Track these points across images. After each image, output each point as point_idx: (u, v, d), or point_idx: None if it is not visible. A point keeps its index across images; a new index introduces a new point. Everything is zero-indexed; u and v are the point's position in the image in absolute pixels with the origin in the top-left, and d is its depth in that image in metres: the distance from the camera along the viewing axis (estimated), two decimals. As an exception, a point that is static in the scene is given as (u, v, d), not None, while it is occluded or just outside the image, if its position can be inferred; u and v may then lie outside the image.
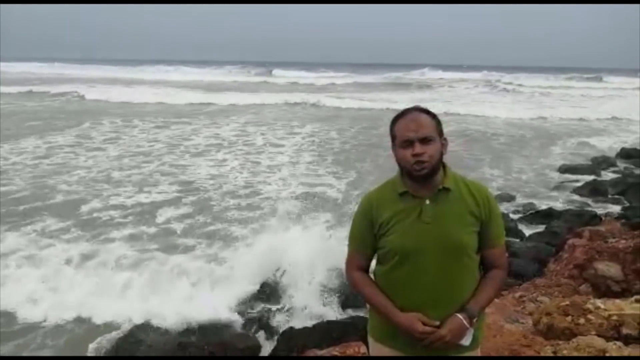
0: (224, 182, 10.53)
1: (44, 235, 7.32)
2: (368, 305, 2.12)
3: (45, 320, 5.20)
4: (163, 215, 8.33)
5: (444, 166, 1.95)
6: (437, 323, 1.88)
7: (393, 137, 1.94)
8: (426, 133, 1.87)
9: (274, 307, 5.30)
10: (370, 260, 2.05)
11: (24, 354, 4.72)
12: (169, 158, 12.76)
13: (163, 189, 9.94)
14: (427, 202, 1.90)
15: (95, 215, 8.30)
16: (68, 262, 6.35)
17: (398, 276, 1.94)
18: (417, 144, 1.85)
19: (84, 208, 8.61)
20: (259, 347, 4.73)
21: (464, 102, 29.31)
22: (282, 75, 56.14)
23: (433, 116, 1.94)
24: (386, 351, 2.02)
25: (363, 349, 3.60)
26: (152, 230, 7.69)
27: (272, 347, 4.60)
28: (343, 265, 2.18)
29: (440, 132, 1.92)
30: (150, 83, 40.09)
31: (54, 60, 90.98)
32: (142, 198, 9.28)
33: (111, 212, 8.44)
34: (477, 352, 2.02)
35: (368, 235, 2.00)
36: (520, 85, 43.50)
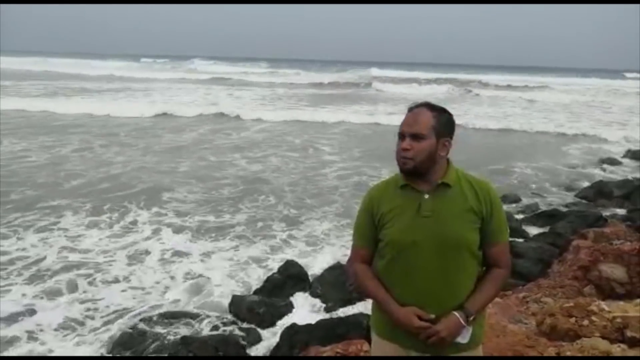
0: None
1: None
2: (371, 300, 2.13)
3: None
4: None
5: (448, 162, 1.96)
6: (433, 317, 1.89)
7: None
8: (418, 130, 1.88)
9: (277, 303, 5.31)
10: (373, 253, 2.06)
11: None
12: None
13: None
14: (427, 196, 1.91)
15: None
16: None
17: (396, 269, 1.96)
18: (407, 139, 1.88)
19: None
20: (261, 343, 4.75)
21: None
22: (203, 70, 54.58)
23: (440, 115, 1.92)
24: (387, 346, 2.03)
25: (366, 347, 3.61)
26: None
27: (274, 343, 4.61)
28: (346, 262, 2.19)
29: (440, 133, 1.90)
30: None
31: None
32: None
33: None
34: (479, 351, 2.02)
35: (370, 228, 2.02)
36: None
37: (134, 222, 7.81)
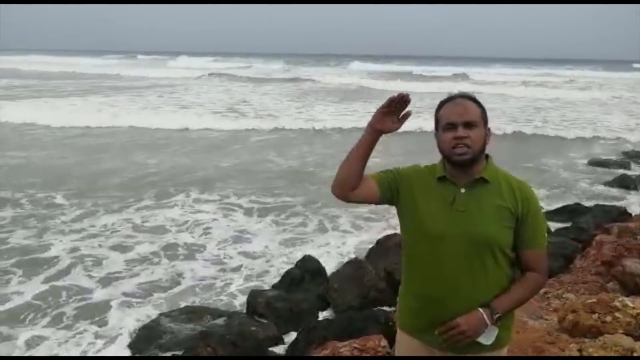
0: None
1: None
2: (398, 298, 2.11)
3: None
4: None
5: (487, 157, 1.94)
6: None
7: (437, 121, 1.93)
8: (471, 118, 1.85)
9: (295, 298, 5.30)
10: (373, 183, 1.95)
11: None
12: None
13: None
14: (463, 190, 1.88)
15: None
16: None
17: (422, 259, 1.93)
18: (461, 127, 1.84)
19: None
20: (279, 338, 4.76)
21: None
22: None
23: (479, 104, 1.91)
24: (407, 339, 2.02)
25: (383, 342, 3.59)
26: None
27: (292, 338, 4.61)
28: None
29: (485, 121, 1.90)
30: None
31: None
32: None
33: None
34: (503, 353, 1.97)
35: (390, 183, 1.96)
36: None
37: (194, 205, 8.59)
